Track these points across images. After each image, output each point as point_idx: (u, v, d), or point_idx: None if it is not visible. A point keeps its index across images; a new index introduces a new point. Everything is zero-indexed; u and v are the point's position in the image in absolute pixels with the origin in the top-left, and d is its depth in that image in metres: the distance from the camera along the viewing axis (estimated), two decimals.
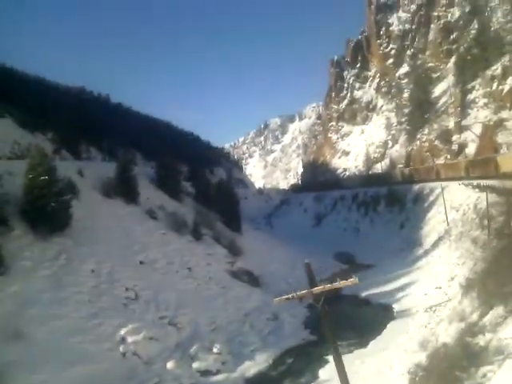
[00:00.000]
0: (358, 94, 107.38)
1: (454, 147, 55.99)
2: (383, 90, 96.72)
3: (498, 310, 13.74)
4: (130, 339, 23.03)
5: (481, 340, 12.74)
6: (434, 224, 43.06)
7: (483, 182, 33.41)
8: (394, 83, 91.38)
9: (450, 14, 74.24)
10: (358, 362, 22.54)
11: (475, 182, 35.94)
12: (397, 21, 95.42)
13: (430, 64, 76.98)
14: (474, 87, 56.24)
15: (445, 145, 58.92)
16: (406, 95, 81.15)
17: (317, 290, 11.21)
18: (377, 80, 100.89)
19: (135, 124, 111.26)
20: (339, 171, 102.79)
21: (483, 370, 11.20)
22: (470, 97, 56.23)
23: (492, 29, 55.94)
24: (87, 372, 20.17)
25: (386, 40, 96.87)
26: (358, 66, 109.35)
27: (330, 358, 25.08)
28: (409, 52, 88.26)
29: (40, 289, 23.42)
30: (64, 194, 29.04)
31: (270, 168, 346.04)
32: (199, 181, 60.11)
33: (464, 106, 56.59)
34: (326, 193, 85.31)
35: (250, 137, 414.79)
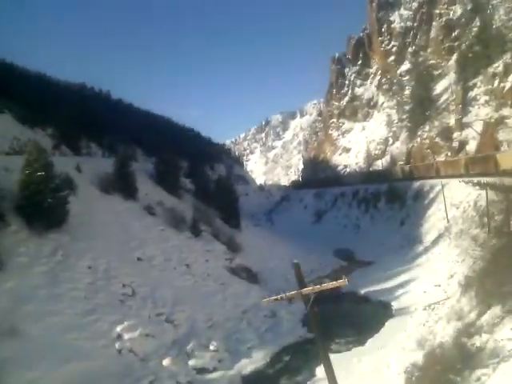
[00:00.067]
0: (359, 90, 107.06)
1: (455, 144, 55.78)
2: (384, 87, 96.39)
3: (496, 310, 13.58)
4: (126, 336, 22.89)
5: (477, 341, 12.58)
6: (434, 221, 42.89)
7: (483, 180, 33.19)
8: (395, 80, 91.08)
9: (451, 12, 73.82)
10: (355, 360, 22.41)
11: (475, 180, 35.73)
12: (398, 18, 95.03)
13: (432, 61, 76.61)
14: (475, 84, 55.98)
15: (445, 142, 58.72)
16: (407, 92, 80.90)
17: (306, 290, 11.03)
18: (378, 77, 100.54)
19: (136, 120, 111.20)
20: (340, 168, 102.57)
21: (478, 373, 11.05)
22: (472, 94, 55.98)
23: (494, 26, 55.63)
24: (82, 369, 20.03)
25: (388, 37, 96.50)
26: (360, 63, 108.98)
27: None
28: (410, 49, 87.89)
29: (36, 285, 23.31)
30: (61, 189, 28.92)
31: (270, 164, 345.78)
32: (198, 177, 59.93)
33: (465, 104, 56.34)
34: (327, 189, 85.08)
35: (251, 133, 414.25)
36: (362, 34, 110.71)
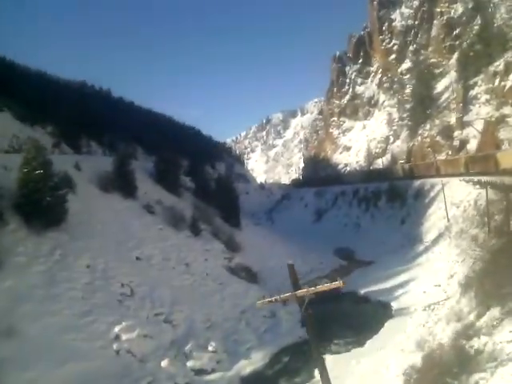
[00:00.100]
0: (359, 89, 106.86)
1: (456, 143, 55.59)
2: (385, 85, 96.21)
3: (495, 312, 13.45)
4: (124, 337, 22.76)
5: (476, 343, 12.45)
6: (434, 220, 42.70)
7: (484, 179, 33.01)
8: (396, 79, 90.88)
9: (452, 10, 73.65)
10: (354, 361, 22.32)
11: (476, 178, 35.56)
12: (399, 16, 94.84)
13: (433, 60, 76.42)
14: (476, 83, 55.77)
15: (446, 141, 58.51)
16: (408, 91, 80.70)
17: (300, 292, 10.89)
18: (379, 75, 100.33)
19: (137, 118, 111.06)
20: (340, 166, 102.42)
21: (475, 377, 10.92)
22: (472, 93, 55.78)
23: (495, 25, 55.46)
24: (80, 370, 19.93)
25: (389, 36, 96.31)
26: (360, 61, 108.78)
27: (327, 356, 24.77)
28: (411, 48, 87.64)
29: (34, 284, 23.19)
30: (60, 188, 28.80)
31: (271, 163, 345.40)
32: (198, 176, 59.77)
33: (466, 102, 56.14)
34: (327, 188, 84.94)
35: (252, 131, 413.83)
36: (362, 33, 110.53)
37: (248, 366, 24.13)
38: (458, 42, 68.56)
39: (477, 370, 11.12)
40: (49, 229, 27.24)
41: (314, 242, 56.89)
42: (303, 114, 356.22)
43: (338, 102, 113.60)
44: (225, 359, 24.32)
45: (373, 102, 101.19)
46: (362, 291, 36.09)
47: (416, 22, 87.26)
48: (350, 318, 30.67)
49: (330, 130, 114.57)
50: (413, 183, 54.03)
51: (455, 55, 67.35)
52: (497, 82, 49.81)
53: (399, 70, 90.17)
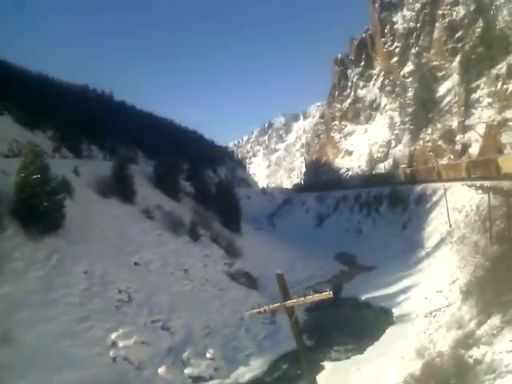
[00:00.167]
0: (361, 92, 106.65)
1: (458, 147, 55.30)
2: (387, 88, 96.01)
3: (496, 320, 13.19)
4: (120, 343, 22.43)
5: (475, 353, 12.15)
6: (436, 225, 42.37)
7: (486, 183, 32.67)
8: (398, 82, 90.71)
9: (454, 13, 73.51)
10: (353, 369, 21.99)
11: (478, 183, 35.21)
12: (401, 19, 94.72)
13: (435, 62, 76.22)
14: (478, 86, 55.50)
15: (448, 145, 58.23)
16: (410, 94, 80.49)
17: (290, 303, 10.60)
18: (381, 78, 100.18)
19: (138, 122, 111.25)
20: (342, 171, 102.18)
21: None
22: (475, 96, 55.51)
23: (497, 27, 55.23)
24: (76, 377, 19.62)
25: (391, 38, 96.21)
26: (362, 64, 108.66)
27: (326, 363, 24.61)
28: (413, 50, 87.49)
29: (31, 290, 22.96)
30: (57, 192, 28.58)
31: (273, 167, 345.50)
32: (198, 180, 59.54)
33: (468, 106, 55.86)
34: (329, 193, 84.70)
35: (254, 136, 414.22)
36: (364, 35, 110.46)
37: (247, 373, 23.77)
38: (460, 45, 68.39)
39: (475, 382, 10.83)
40: (46, 234, 27.00)
41: (315, 247, 56.58)
42: (305, 117, 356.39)
43: (339, 105, 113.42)
44: (223, 366, 23.96)
45: (374, 105, 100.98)
46: (363, 297, 35.79)
47: (418, 25, 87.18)
48: (350, 324, 30.36)
49: (332, 134, 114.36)
50: (415, 188, 53.69)
51: (457, 58, 67.15)
52: (499, 85, 49.55)
53: (401, 73, 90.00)
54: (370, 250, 50.57)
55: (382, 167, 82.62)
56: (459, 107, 57.85)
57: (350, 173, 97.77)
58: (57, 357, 20.03)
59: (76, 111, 65.77)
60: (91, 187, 38.17)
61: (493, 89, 51.06)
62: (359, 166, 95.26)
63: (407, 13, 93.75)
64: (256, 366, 24.36)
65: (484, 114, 51.35)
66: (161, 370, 22.01)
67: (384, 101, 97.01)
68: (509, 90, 47.35)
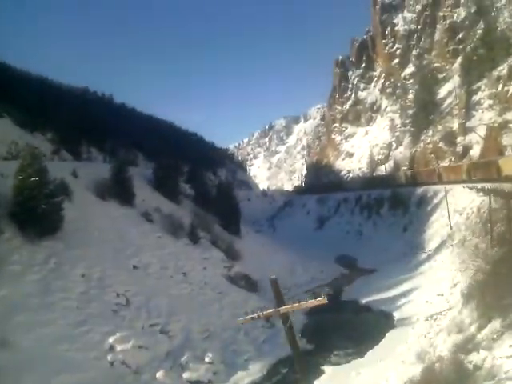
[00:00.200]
0: (362, 94, 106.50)
1: (459, 149, 55.08)
2: (388, 90, 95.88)
3: (496, 324, 13.01)
4: (118, 347, 22.20)
5: (475, 358, 11.96)
6: (437, 228, 42.23)
7: (487, 186, 32.49)
8: (399, 84, 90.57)
9: (455, 14, 73.40)
10: (353, 373, 21.78)
11: (479, 185, 35.02)
12: (402, 21, 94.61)
13: (436, 64, 76.10)
14: (479, 88, 55.31)
15: (449, 147, 58.02)
16: (410, 96, 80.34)
17: (284, 309, 10.42)
18: (382, 80, 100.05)
19: (138, 124, 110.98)
20: (343, 173, 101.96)
21: None
22: (476, 98, 55.32)
23: (498, 29, 55.08)
24: (74, 381, 19.42)
25: (392, 40, 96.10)
26: (363, 66, 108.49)
27: (326, 368, 24.42)
28: (414, 52, 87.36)
29: (28, 294, 22.78)
30: (55, 195, 28.46)
31: (274, 169, 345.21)
32: (198, 182, 59.40)
33: (469, 108, 55.67)
34: (330, 195, 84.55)
35: (255, 138, 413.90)
36: (365, 37, 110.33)
37: (245, 377, 23.56)
38: (461, 47, 68.24)
39: None
40: (44, 237, 26.87)
41: (315, 250, 56.45)
42: (306, 120, 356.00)
43: (340, 107, 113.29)
44: (222, 370, 23.75)
45: (375, 107, 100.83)
46: (364, 300, 35.61)
47: (419, 27, 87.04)
48: (351, 327, 30.19)
49: (333, 136, 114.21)
50: (415, 190, 53.54)
51: (458, 60, 67.01)
52: (500, 87, 49.37)
53: (402, 75, 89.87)
54: (370, 253, 50.43)
55: (383, 169, 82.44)
56: (460, 109, 57.66)
57: (351, 175, 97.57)
58: (54, 361, 19.84)
59: (76, 113, 65.63)
60: (90, 189, 38.06)
61: (494, 91, 50.88)
62: (360, 168, 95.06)
63: (408, 14, 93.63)
64: (255, 370, 24.15)
65: (485, 116, 51.16)
66: (159, 375, 21.80)
67: (385, 103, 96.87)
68: (510, 92, 47.16)
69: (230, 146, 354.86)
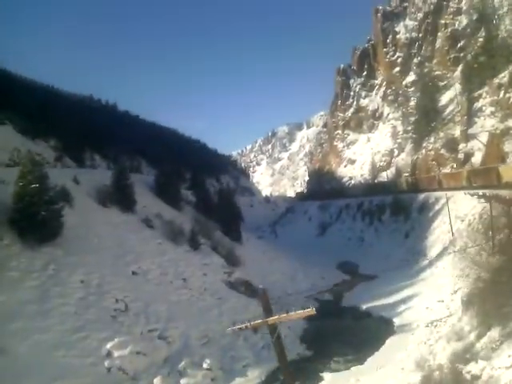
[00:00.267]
0: (364, 102, 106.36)
1: (460, 156, 54.86)
2: (389, 98, 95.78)
3: (495, 333, 12.87)
4: (116, 353, 22.11)
5: (473, 368, 11.83)
6: (438, 234, 42.13)
7: (488, 192, 32.39)
8: (400, 91, 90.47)
9: (457, 22, 73.46)
10: (353, 380, 21.66)
11: (480, 192, 34.91)
12: (404, 29, 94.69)
13: (437, 72, 76.02)
14: (480, 95, 55.21)
15: (451, 153, 57.79)
16: (412, 103, 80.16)
17: (272, 320, 10.36)
18: (383, 88, 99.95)
19: (141, 132, 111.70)
20: (345, 179, 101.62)
21: None
22: (477, 105, 55.19)
23: (500, 37, 55.06)
24: None
25: (393, 48, 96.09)
26: (365, 74, 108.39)
27: (326, 374, 24.26)
28: (416, 60, 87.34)
29: (26, 300, 22.80)
30: (56, 202, 28.60)
31: (277, 176, 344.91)
32: (200, 189, 59.43)
33: (470, 115, 55.53)
34: (331, 201, 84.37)
35: (258, 145, 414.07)
36: (366, 45, 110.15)
37: (243, 383, 23.43)
38: (462, 54, 68.20)
39: None
40: (43, 243, 26.95)
41: (317, 256, 56.30)
42: (309, 126, 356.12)
43: (342, 114, 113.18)
44: (220, 377, 23.62)
45: (377, 114, 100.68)
46: (364, 306, 35.58)
47: (420, 35, 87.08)
48: (351, 334, 30.03)
49: (335, 143, 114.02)
50: (417, 196, 53.42)
51: (460, 67, 66.92)
52: (501, 94, 49.26)
53: (403, 83, 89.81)
54: (372, 259, 50.28)
55: (385, 176, 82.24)
56: (462, 116, 57.53)
57: (353, 181, 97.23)
58: (51, 367, 19.82)
59: (79, 121, 66.20)
60: (91, 196, 38.15)
61: (495, 98, 50.76)
62: (362, 175, 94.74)
63: (409, 23, 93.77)
64: (253, 377, 24.02)
65: (487, 123, 51.00)
66: (156, 381, 21.68)
67: (386, 110, 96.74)
68: (511, 99, 47.09)
69: (233, 153, 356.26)
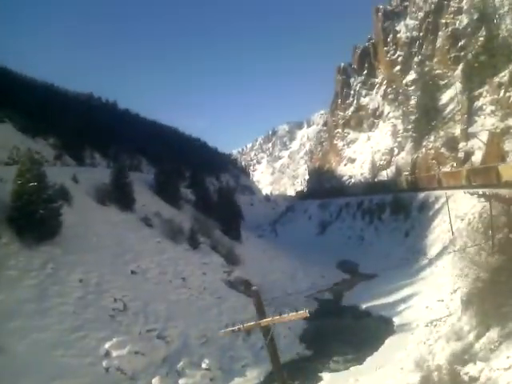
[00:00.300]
0: (364, 100, 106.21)
1: (461, 155, 54.75)
2: (390, 97, 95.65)
3: (494, 333, 12.78)
4: (114, 353, 22.03)
5: (471, 369, 11.74)
6: (438, 233, 42.04)
7: (488, 191, 32.29)
8: (400, 90, 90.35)
9: (458, 21, 73.36)
10: (352, 380, 21.61)
11: (480, 191, 34.81)
12: (404, 28, 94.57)
13: (438, 71, 75.90)
14: (481, 94, 55.09)
15: (451, 152, 57.67)
16: (412, 102, 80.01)
17: (265, 322, 10.23)
18: (383, 87, 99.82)
19: (142, 130, 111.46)
20: (345, 178, 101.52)
21: None
22: (477, 104, 55.07)
23: (500, 36, 54.95)
24: None
25: (394, 47, 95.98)
26: (365, 72, 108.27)
27: (325, 374, 24.19)
28: (416, 59, 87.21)
29: (24, 299, 22.75)
30: (54, 200, 28.49)
31: (277, 174, 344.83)
32: (200, 187, 59.25)
33: (471, 114, 55.40)
34: (331, 200, 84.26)
35: (258, 143, 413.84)
36: (367, 44, 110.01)
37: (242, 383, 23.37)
38: (462, 53, 68.09)
39: None
40: (42, 242, 26.87)
41: (317, 255, 56.20)
42: (309, 125, 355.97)
43: (342, 113, 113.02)
44: (218, 377, 23.54)
45: (377, 113, 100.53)
46: (364, 306, 35.52)
47: (421, 34, 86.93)
48: (350, 333, 29.96)
49: (335, 142, 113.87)
50: (417, 195, 53.31)
51: (460, 66, 66.81)
52: (502, 93, 49.15)
53: (404, 82, 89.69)
54: (372, 258, 50.18)
55: (385, 175, 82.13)
56: (462, 115, 57.42)
57: (353, 180, 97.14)
58: (49, 366, 19.78)
59: (80, 119, 66.00)
60: (90, 195, 38.05)
61: (495, 97, 50.64)
62: (362, 174, 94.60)
63: (410, 22, 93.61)
64: (252, 377, 23.93)
65: (487, 122, 50.88)
66: (155, 381, 21.61)
67: (387, 109, 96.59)
68: (511, 98, 46.97)
69: (233, 152, 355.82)
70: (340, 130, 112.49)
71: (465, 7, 72.63)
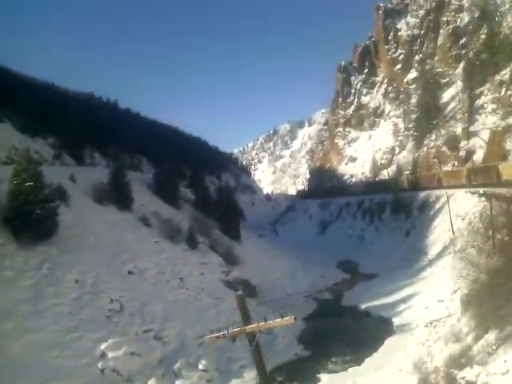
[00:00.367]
0: (365, 99, 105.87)
1: (462, 153, 54.45)
2: (391, 95, 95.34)
3: (492, 336, 12.54)
4: (110, 354, 21.81)
5: (468, 374, 11.49)
6: (439, 233, 41.81)
7: (489, 190, 32.03)
8: (401, 89, 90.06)
9: (459, 19, 73.11)
10: (349, 381, 21.43)
11: (481, 190, 34.55)
12: (405, 26, 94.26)
13: (439, 69, 75.56)
14: (482, 92, 54.82)
15: (452, 151, 57.38)
16: (413, 101, 79.67)
17: (250, 328, 9.96)
18: (384, 85, 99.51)
19: (142, 129, 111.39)
20: (346, 177, 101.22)
21: None
22: (479, 102, 54.80)
23: (502, 34, 54.66)
24: None
25: (394, 45, 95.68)
26: (366, 71, 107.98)
27: (323, 375, 23.96)
28: (417, 57, 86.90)
29: (20, 299, 22.56)
30: (51, 200, 28.32)
31: (278, 174, 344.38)
32: (199, 187, 58.99)
33: (472, 112, 55.12)
34: (332, 199, 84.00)
35: (259, 142, 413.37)
36: (368, 42, 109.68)
37: None
38: (464, 52, 67.82)
39: None
40: (38, 242, 26.70)
41: (317, 255, 55.94)
42: (310, 124, 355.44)
43: (343, 112, 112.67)
44: (216, 378, 23.33)
45: (378, 112, 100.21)
46: (364, 306, 35.31)
47: (422, 32, 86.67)
48: (349, 334, 29.78)
49: (336, 141, 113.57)
50: (418, 195, 53.04)
51: (461, 64, 66.56)
52: (503, 91, 48.87)
53: (405, 80, 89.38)
54: (372, 258, 49.96)
55: (386, 174, 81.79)
56: (463, 113, 57.13)
57: (354, 179, 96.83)
58: (44, 367, 19.59)
59: (79, 119, 65.92)
60: (88, 194, 37.84)
61: (497, 95, 50.37)
62: (363, 173, 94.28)
63: (411, 20, 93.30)
64: (250, 378, 23.60)
65: (488, 120, 50.60)
66: (151, 382, 21.38)
67: (388, 107, 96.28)
68: None
69: (234, 151, 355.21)
70: (341, 129, 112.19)
71: (466, 5, 72.36)
